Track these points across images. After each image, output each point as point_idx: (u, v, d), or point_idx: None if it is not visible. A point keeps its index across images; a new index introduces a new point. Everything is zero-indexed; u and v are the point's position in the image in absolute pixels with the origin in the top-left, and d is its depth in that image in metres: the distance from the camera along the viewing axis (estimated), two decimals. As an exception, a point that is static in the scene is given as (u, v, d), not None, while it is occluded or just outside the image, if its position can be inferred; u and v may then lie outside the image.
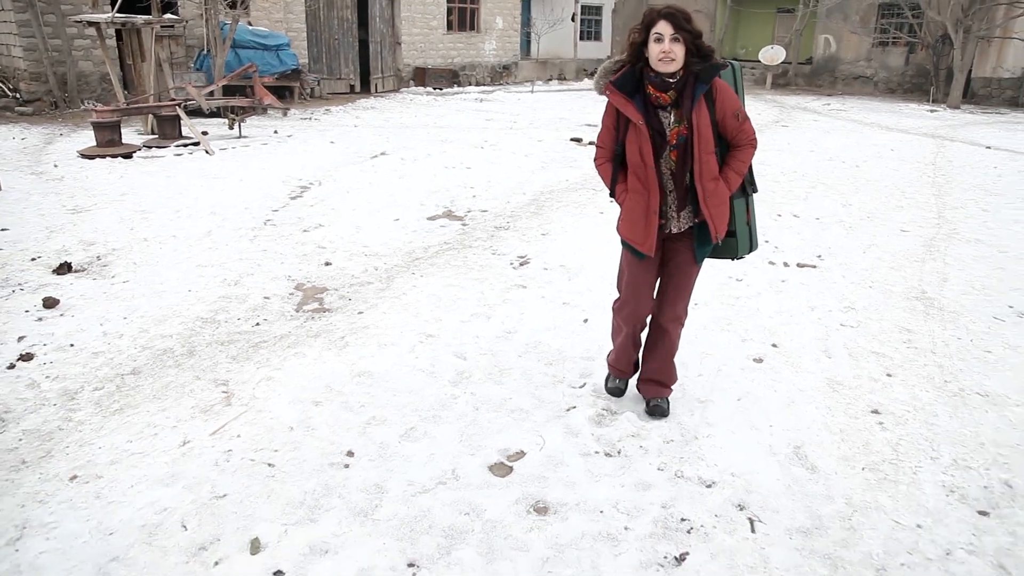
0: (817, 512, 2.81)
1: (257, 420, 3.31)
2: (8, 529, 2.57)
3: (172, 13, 14.22)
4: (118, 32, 13.20)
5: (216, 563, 2.44)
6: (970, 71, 20.77)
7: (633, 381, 3.67)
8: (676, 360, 3.50)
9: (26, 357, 3.81)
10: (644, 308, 3.30)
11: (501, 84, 23.26)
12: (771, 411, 3.55)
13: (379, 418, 3.36)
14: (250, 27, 15.69)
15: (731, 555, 2.55)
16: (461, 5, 22.22)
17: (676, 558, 2.53)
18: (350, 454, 3.08)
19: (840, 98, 22.10)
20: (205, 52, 14.73)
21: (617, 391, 3.62)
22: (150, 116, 11.50)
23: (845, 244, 6.50)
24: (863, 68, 24.60)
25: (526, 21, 25.07)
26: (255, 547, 2.51)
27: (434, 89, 20.64)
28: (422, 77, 21.05)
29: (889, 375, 4.01)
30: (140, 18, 11.47)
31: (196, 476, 2.89)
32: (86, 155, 9.39)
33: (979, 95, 21.47)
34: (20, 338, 4.05)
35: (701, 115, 2.90)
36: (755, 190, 3.24)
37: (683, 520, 2.73)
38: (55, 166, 8.75)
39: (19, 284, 4.81)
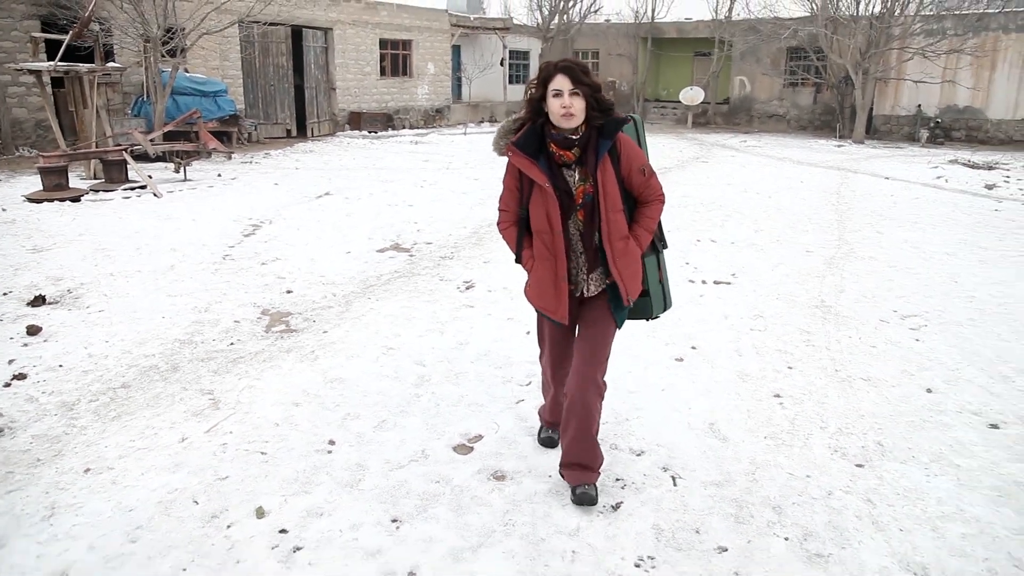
0: (727, 470, 3.41)
1: (245, 420, 3.75)
2: (39, 510, 2.95)
3: (110, 60, 14.42)
4: (55, 79, 13.34)
5: (228, 526, 2.88)
6: (871, 109, 22.54)
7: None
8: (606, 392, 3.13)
9: (20, 376, 4.15)
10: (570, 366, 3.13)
11: (434, 127, 23.97)
12: (690, 398, 4.16)
13: (353, 414, 3.84)
14: (187, 74, 16.00)
15: (657, 502, 3.12)
16: (394, 51, 22.95)
17: (612, 506, 3.08)
18: (332, 442, 3.55)
19: (756, 135, 23.59)
20: (145, 99, 14.97)
21: (550, 441, 3.49)
22: (93, 161, 11.70)
23: (756, 264, 7.27)
24: (776, 107, 26.31)
25: (457, 66, 25.97)
26: (260, 513, 2.96)
27: (369, 132, 21.17)
28: (357, 121, 21.58)
29: (790, 367, 4.68)
30: (83, 66, 11.72)
31: (198, 464, 3.32)
32: (33, 199, 9.56)
33: (881, 131, 23.26)
34: (10, 361, 4.38)
35: (606, 172, 2.80)
36: (665, 246, 3.13)
37: (617, 480, 3.29)
38: (3, 210, 8.91)
39: (-3, 316, 5.11)
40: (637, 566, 2.73)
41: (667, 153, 17.44)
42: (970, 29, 20.50)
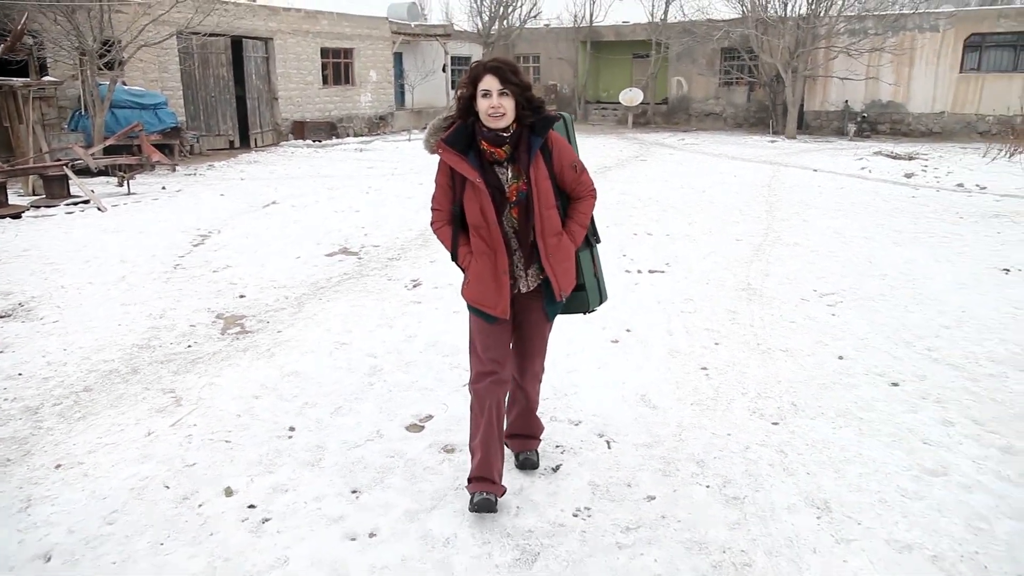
0: (656, 433, 3.76)
1: (208, 413, 3.97)
2: (15, 503, 3.13)
3: (44, 74, 14.24)
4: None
5: (200, 505, 3.11)
6: (802, 105, 23.47)
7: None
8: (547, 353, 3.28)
9: (-19, 386, 4.28)
10: (507, 372, 3.05)
11: (379, 134, 24.09)
12: (624, 374, 4.52)
13: (311, 403, 4.09)
14: (125, 87, 15.87)
15: (593, 463, 3.46)
16: (335, 60, 23.01)
17: (553, 468, 3.41)
18: (292, 429, 3.80)
19: (694, 133, 24.31)
20: (82, 113, 14.81)
21: (485, 504, 3.01)
22: (32, 177, 11.60)
23: (689, 254, 7.70)
24: (712, 106, 27.11)
25: (399, 73, 26.14)
26: (228, 492, 3.20)
27: (314, 142, 21.19)
28: (301, 130, 21.59)
29: (716, 343, 5.08)
30: (18, 80, 11.62)
31: (166, 454, 3.53)
32: (-28, 218, 9.48)
33: (812, 126, 24.20)
34: (-30, 372, 4.50)
35: (539, 169, 2.82)
36: (598, 241, 3.19)
37: (558, 446, 3.61)
38: (-57, 230, 8.84)
39: (-49, 330, 5.19)
40: (575, 515, 3.06)
41: (608, 153, 17.93)
42: (889, 28, 21.55)
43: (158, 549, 2.82)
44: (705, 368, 4.63)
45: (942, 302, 5.99)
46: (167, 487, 3.25)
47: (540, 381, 3.31)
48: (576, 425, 3.83)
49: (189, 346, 5.01)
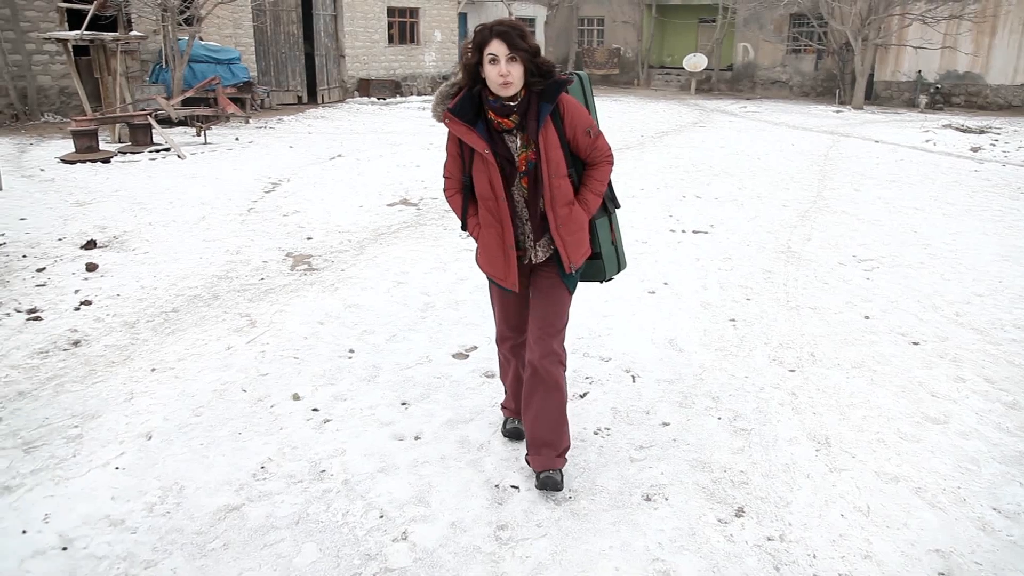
0: (679, 371, 4.12)
1: (279, 334, 4.49)
2: (120, 395, 3.70)
3: (130, 30, 15.00)
4: (76, 48, 13.96)
5: (271, 406, 3.62)
6: (872, 75, 22.88)
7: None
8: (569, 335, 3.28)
9: (86, 303, 4.89)
10: (525, 336, 3.04)
11: (443, 93, 24.44)
12: (655, 321, 4.86)
13: (369, 330, 4.57)
14: (202, 42, 16.56)
15: (617, 392, 3.84)
16: (401, 19, 23.39)
17: (580, 395, 3.81)
18: (352, 351, 4.28)
19: (758, 101, 23.97)
20: (162, 66, 15.57)
21: (516, 433, 3.35)
22: (117, 126, 12.38)
23: (734, 216, 7.92)
24: (779, 73, 26.61)
25: (463, 33, 26.37)
26: (296, 397, 3.70)
27: (378, 99, 21.72)
28: (366, 88, 22.12)
29: (748, 299, 5.36)
30: (108, 35, 12.34)
31: (243, 365, 4.06)
32: (67, 160, 10.26)
33: (881, 96, 23.59)
34: (76, 291, 5.12)
35: (549, 137, 2.68)
36: (617, 206, 3.04)
37: (587, 377, 4.00)
38: (41, 170, 9.62)
39: (57, 256, 5.84)
40: (595, 433, 3.46)
41: (667, 118, 17.95)
42: (970, -6, 20.79)
43: (237, 437, 3.34)
44: (733, 320, 4.94)
45: (980, 272, 6.11)
46: (244, 390, 3.77)
47: (564, 366, 2.96)
48: (606, 361, 4.21)
49: (262, 279, 5.54)
